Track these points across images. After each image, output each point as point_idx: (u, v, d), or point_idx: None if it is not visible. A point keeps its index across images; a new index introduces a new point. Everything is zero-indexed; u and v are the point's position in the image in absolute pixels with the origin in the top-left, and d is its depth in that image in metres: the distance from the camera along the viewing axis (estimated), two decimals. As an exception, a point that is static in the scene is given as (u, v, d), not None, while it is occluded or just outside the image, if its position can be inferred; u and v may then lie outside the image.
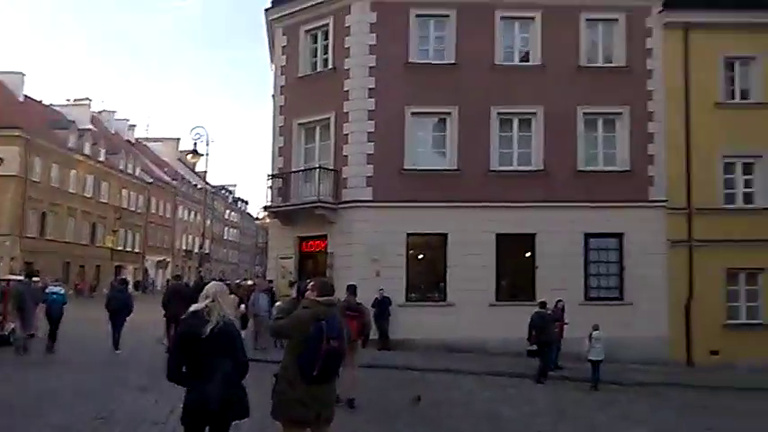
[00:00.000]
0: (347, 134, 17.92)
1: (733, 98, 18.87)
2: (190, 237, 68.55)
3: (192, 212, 70.11)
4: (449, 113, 17.98)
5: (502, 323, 16.28)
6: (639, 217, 17.80)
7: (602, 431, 8.91)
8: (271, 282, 17.78)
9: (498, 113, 18.06)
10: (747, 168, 18.47)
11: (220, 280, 23.28)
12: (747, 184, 18.43)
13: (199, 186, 66.82)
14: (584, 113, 18.21)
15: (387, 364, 13.85)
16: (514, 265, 17.73)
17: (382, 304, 16.46)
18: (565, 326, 15.14)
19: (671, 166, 18.07)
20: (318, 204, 17.38)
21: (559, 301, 15.37)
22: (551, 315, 14.52)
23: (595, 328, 13.31)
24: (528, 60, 18.62)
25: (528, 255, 17.66)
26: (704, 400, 12.55)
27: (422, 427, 8.51)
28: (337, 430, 5.13)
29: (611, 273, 17.82)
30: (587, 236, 17.76)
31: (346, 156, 17.85)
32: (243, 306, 15.25)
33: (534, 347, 14.11)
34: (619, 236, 17.85)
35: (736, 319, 17.86)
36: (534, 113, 18.12)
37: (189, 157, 23.12)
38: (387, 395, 10.63)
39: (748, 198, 18.36)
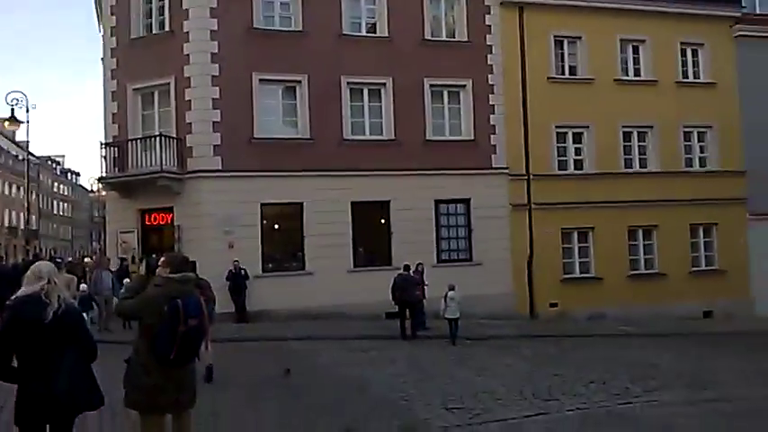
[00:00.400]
0: (190, 100, 16.84)
1: (563, 74, 20.32)
2: (13, 213, 61.80)
3: (14, 186, 63.09)
4: (298, 81, 17.55)
5: (360, 288, 16.40)
6: (484, 183, 18.75)
7: (463, 386, 9.17)
8: (124, 259, 16.43)
9: (348, 83, 17.97)
10: (577, 138, 20.08)
11: (51, 259, 21.18)
12: (577, 152, 20.05)
13: (21, 158, 60.11)
14: (431, 85, 18.69)
15: (246, 337, 13.35)
16: (370, 232, 17.85)
17: (237, 277, 15.81)
18: (426, 287, 15.56)
19: (511, 136, 19.15)
20: (162, 174, 16.19)
21: (419, 264, 15.78)
22: (414, 277, 14.87)
23: (451, 287, 13.81)
24: (375, 32, 18.72)
25: (383, 221, 17.88)
26: (549, 349, 13.51)
27: (288, 398, 8.21)
28: (201, 411, 4.72)
29: (460, 236, 18.63)
30: (437, 202, 18.38)
31: (190, 123, 16.79)
32: (84, 285, 13.85)
33: (396, 309, 14.42)
34: (466, 201, 18.67)
35: (571, 274, 19.51)
36: (383, 84, 18.27)
37: (6, 124, 20.51)
38: (249, 369, 10.19)
39: (578, 165, 20.00)
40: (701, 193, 20.49)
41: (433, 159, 18.23)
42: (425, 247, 17.69)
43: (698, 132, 21.08)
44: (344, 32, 18.10)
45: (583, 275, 19.56)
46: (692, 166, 21.03)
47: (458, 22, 19.29)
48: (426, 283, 15.48)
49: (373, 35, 18.59)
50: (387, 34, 18.41)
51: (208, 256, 14.93)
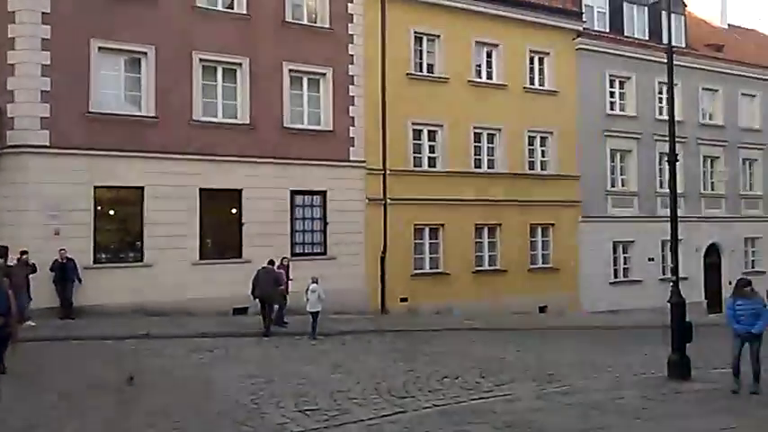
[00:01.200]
0: (13, 64, 14.74)
1: (421, 71, 20.51)
2: None
3: None
4: (144, 53, 16.00)
5: (207, 282, 15.44)
6: (341, 176, 18.40)
7: (317, 386, 8.72)
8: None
9: (201, 60, 16.74)
10: (432, 135, 20.38)
11: None
12: (432, 149, 20.35)
13: None
14: (290, 70, 17.97)
15: (72, 336, 11.84)
16: (220, 222, 16.76)
17: (65, 268, 14.04)
18: (290, 281, 15.06)
19: (369, 130, 18.97)
20: (-28, 147, 14.00)
21: (284, 258, 15.28)
22: (274, 272, 14.33)
23: (314, 280, 13.66)
24: (233, 8, 17.65)
25: (234, 211, 16.86)
26: (400, 344, 13.46)
27: (119, 405, 7.24)
28: (17, 417, 3.83)
29: (315, 229, 18.12)
30: (293, 193, 17.72)
31: (12, 91, 14.67)
32: None
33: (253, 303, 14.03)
34: (323, 193, 18.19)
35: (421, 269, 19.75)
36: (240, 64, 17.25)
37: None
38: (74, 372, 8.95)
39: (432, 162, 20.32)
40: (540, 195, 21.75)
41: (290, 148, 17.56)
42: (279, 240, 16.96)
43: (540, 137, 22.33)
44: (198, 5, 16.84)
45: (432, 271, 19.92)
46: (534, 169, 22.25)
47: (320, 7, 18.74)
48: (291, 278, 14.97)
49: (231, 11, 17.47)
50: (245, 11, 17.39)
51: (31, 242, 13.18)
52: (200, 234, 16.27)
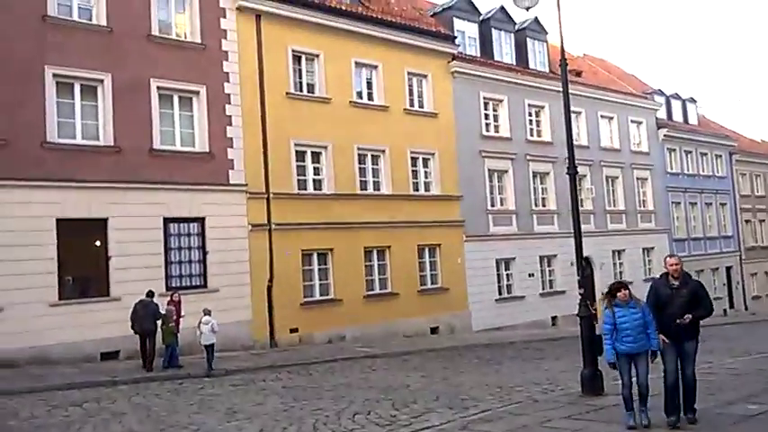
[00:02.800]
0: None
1: (302, 90, 19.76)
2: None
3: None
4: (-15, 67, 13.97)
5: (69, 325, 13.51)
6: (221, 201, 17.08)
7: None
8: None
9: (54, 75, 14.90)
10: (316, 157, 19.61)
11: None
12: (317, 171, 19.56)
13: None
14: (159, 87, 16.53)
15: None
16: (82, 256, 14.83)
17: None
18: (181, 318, 13.84)
19: (249, 151, 17.86)
20: None
21: (175, 293, 14.17)
22: (154, 305, 13.33)
23: (206, 312, 13.06)
24: (91, 19, 15.95)
25: (99, 243, 15.00)
26: (298, 380, 12.40)
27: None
28: None
29: (194, 260, 16.57)
30: (167, 220, 16.13)
31: None
32: None
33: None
34: (201, 220, 16.74)
35: (311, 297, 18.73)
36: (101, 81, 15.59)
37: None
38: None
39: (318, 185, 19.50)
40: (425, 215, 21.62)
41: (162, 172, 16.03)
42: (152, 273, 15.25)
43: (423, 158, 22.29)
44: (50, 14, 15.01)
45: (323, 298, 18.96)
46: (418, 190, 22.11)
47: (190, 22, 17.49)
48: (182, 314, 13.57)
49: (89, 23, 15.76)
50: (105, 24, 15.78)
51: None
52: (59, 271, 14.24)
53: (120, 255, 15.00)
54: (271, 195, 18.07)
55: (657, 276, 7.86)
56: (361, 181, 20.44)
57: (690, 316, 7.00)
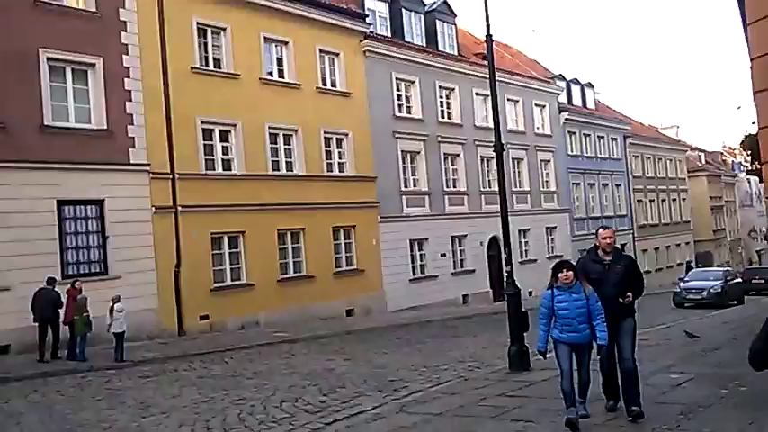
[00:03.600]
0: None
1: (207, 65, 18.69)
2: None
3: None
4: None
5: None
6: (121, 182, 15.88)
7: None
8: None
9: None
10: (224, 136, 18.67)
11: None
12: (225, 151, 18.63)
13: None
14: (49, 59, 15.07)
15: None
16: (-37, 244, 13.32)
17: None
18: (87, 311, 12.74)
19: (152, 129, 16.70)
20: None
21: (77, 281, 13.06)
22: (54, 292, 12.54)
23: (115, 299, 12.51)
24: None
25: (-18, 229, 13.53)
26: (214, 368, 11.73)
27: None
28: None
29: (92, 245, 15.34)
30: (61, 203, 14.80)
31: None
32: None
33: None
34: (99, 203, 15.50)
35: (222, 282, 17.92)
36: (-17, 51, 14.00)
37: None
38: None
39: (227, 165, 18.60)
40: (340, 197, 21.23)
41: (55, 151, 14.67)
42: (45, 260, 13.98)
43: (336, 138, 21.83)
44: None
45: (234, 283, 18.17)
46: (331, 171, 21.65)
47: (80, -13, 16.04)
48: (87, 310, 12.49)
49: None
50: (-14, -9, 14.16)
51: None
52: (-65, 260, 12.73)
53: (7, 240, 13.58)
54: (176, 176, 17.04)
55: (585, 252, 7.00)
56: (272, 161, 19.71)
57: (631, 295, 6.23)
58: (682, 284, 24.66)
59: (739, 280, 25.91)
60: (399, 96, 24.59)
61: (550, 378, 8.65)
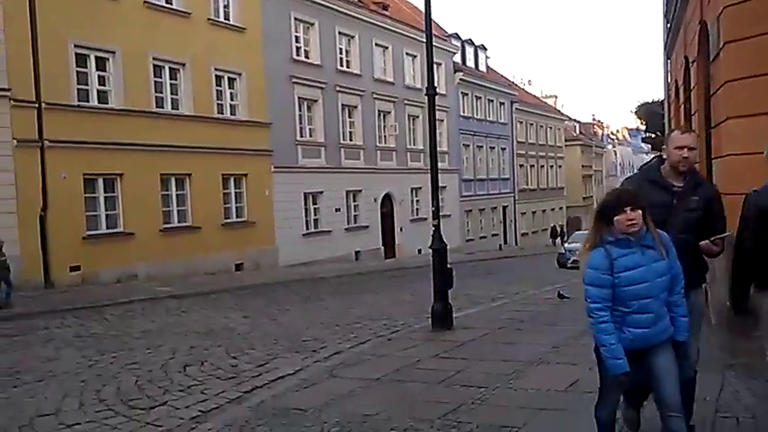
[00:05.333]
0: None
1: (160, 0, 16.71)
2: None
3: None
4: None
5: None
6: (-27, 107, 13.46)
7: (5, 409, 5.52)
8: None
9: None
10: (101, 64, 16.42)
11: None
12: (102, 81, 16.42)
13: None
14: None
15: None
16: None
17: None
18: None
19: (14, 49, 14.29)
20: None
21: None
22: None
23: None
24: None
25: None
26: (94, 327, 10.18)
27: None
28: None
29: (-64, 180, 12.92)
30: None
31: None
32: None
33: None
34: (-55, 130, 13.04)
35: (96, 230, 16.01)
36: None
37: None
38: None
39: (103, 97, 16.41)
40: (231, 142, 19.65)
41: None
42: None
43: (228, 78, 20.06)
44: None
45: (110, 231, 16.28)
46: (223, 113, 19.91)
47: None
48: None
49: None
50: None
51: None
52: None
53: None
54: (43, 105, 14.75)
55: (639, 170, 4.39)
56: (156, 97, 17.73)
57: (720, 243, 3.67)
58: (566, 246, 25.62)
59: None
60: (297, 38, 23.07)
61: (476, 338, 8.23)
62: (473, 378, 6.02)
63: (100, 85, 16.33)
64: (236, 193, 20.21)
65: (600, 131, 70.19)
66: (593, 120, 75.09)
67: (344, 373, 6.50)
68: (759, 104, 5.55)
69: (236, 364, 7.28)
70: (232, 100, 20.21)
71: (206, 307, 12.52)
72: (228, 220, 19.78)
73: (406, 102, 29.04)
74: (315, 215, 23.57)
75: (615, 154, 70.24)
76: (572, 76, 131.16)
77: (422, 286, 16.36)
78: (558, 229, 43.48)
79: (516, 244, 40.36)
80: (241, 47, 20.24)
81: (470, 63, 37.61)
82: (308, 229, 23.02)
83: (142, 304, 12.77)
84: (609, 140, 72.11)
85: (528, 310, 10.90)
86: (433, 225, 9.17)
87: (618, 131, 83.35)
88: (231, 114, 20.15)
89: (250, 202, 20.53)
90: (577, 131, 58.76)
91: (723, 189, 6.06)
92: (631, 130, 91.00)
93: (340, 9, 24.88)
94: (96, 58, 16.27)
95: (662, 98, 19.21)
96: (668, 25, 12.75)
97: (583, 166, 56.78)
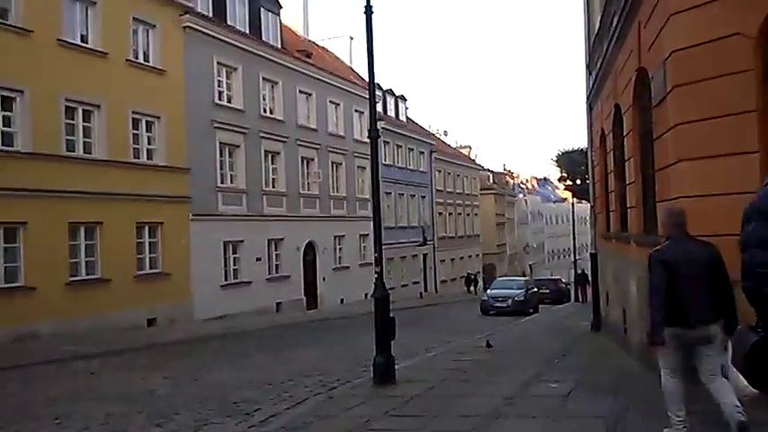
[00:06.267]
0: None
1: (74, 38, 15.91)
2: None
3: None
4: None
5: None
6: None
7: None
8: None
9: None
10: (7, 104, 15.21)
11: None
12: (7, 122, 15.18)
13: None
14: None
15: None
16: None
17: None
18: None
19: None
20: None
21: None
22: None
23: None
24: None
25: None
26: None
27: None
28: None
29: None
30: None
31: None
32: None
33: None
34: None
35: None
36: None
37: None
38: None
39: (8, 139, 15.13)
40: (147, 188, 18.57)
41: None
42: None
43: (146, 121, 19.07)
44: None
45: (9, 285, 14.71)
46: (139, 158, 18.85)
47: None
48: None
49: None
50: None
51: None
52: None
53: None
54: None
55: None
56: (67, 140, 16.52)
57: None
58: (489, 293, 25.77)
59: (536, 290, 27.87)
60: (220, 83, 22.47)
61: (423, 392, 7.78)
62: (432, 439, 5.57)
63: (5, 125, 15.04)
64: (150, 242, 18.96)
65: (511, 181, 72.70)
66: (505, 169, 77.89)
67: (287, 439, 5.88)
68: (712, 147, 5.59)
69: (160, 433, 6.48)
70: (149, 144, 19.20)
71: (120, 368, 11.43)
72: (142, 272, 18.45)
73: (329, 149, 28.83)
74: (234, 265, 22.55)
75: (525, 203, 72.84)
76: (484, 127, 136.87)
77: (352, 338, 15.89)
78: (473, 276, 43.98)
79: (436, 291, 40.44)
80: (161, 89, 19.42)
81: (391, 113, 38.11)
82: (226, 279, 21.93)
83: (47, 367, 11.48)
84: (520, 189, 74.73)
85: (466, 360, 10.62)
86: (376, 272, 8.76)
87: (527, 181, 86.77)
88: (148, 159, 19.10)
89: (165, 252, 19.31)
90: (491, 180, 60.53)
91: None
92: (539, 179, 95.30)
93: (264, 54, 24.56)
94: (2, 97, 15.03)
95: (582, 147, 19.95)
96: (592, 75, 13.24)
97: (497, 214, 58.32)
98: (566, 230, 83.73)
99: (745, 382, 4.34)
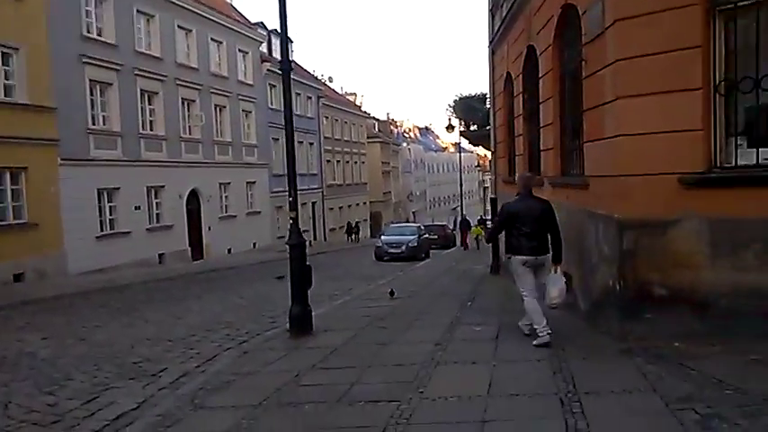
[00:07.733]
0: None
1: None
2: None
3: None
4: None
5: None
6: None
7: None
8: None
9: None
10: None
11: None
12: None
13: None
14: None
15: None
16: None
17: None
18: None
19: None
20: None
21: None
22: None
23: None
24: None
25: None
26: None
27: None
28: None
29: None
30: None
31: None
32: None
33: None
34: None
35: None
36: None
37: None
38: None
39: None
40: (7, 129, 16.36)
41: None
42: None
43: (2, 53, 16.66)
44: None
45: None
46: (-4, 95, 16.54)
47: None
48: None
49: None
50: None
51: None
52: None
53: None
54: None
55: None
56: None
57: None
58: (383, 239, 25.74)
59: (427, 236, 28.21)
60: (89, 13, 20.10)
61: (347, 341, 7.39)
62: (375, 391, 5.19)
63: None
64: (12, 189, 16.78)
65: (395, 129, 73.04)
66: (389, 118, 78.12)
67: (211, 401, 5.27)
68: (654, 83, 5.47)
69: (55, 402, 5.67)
70: (7, 79, 16.77)
71: (-13, 329, 10.06)
72: (4, 223, 16.42)
73: (212, 90, 27.04)
74: (111, 214, 20.75)
75: (409, 151, 73.68)
76: (368, 75, 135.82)
77: (246, 288, 15.18)
78: (354, 225, 43.89)
79: (325, 240, 40.11)
80: (19, 18, 16.92)
81: (276, 54, 36.37)
82: (102, 230, 20.15)
83: None
84: (403, 138, 75.34)
85: (376, 306, 10.35)
86: (291, 218, 8.13)
87: (410, 130, 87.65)
88: (6, 96, 16.74)
89: (31, 200, 17.26)
90: (376, 129, 60.37)
91: (613, 171, 5.98)
92: (422, 129, 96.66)
93: (137, -17, 22.26)
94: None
95: (480, 92, 20.02)
96: (497, 18, 13.05)
97: (382, 162, 58.48)
98: (447, 179, 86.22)
99: (554, 294, 6.20)
